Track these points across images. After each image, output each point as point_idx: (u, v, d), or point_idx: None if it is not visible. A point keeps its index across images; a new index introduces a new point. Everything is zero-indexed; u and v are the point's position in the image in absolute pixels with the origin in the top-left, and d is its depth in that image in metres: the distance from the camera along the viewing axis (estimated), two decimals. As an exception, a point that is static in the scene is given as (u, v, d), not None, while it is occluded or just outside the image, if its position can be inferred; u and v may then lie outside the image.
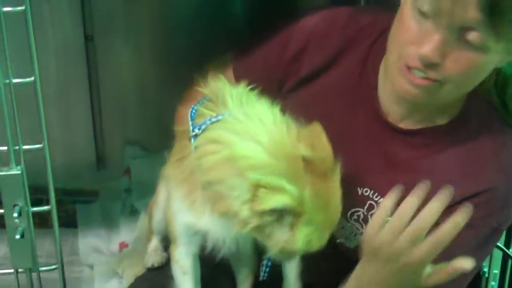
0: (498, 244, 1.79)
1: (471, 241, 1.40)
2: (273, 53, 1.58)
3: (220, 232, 1.43)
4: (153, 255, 1.82)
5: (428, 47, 1.25)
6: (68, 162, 2.58)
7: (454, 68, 1.26)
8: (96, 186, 2.61)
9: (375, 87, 1.48)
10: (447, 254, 1.39)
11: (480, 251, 1.44)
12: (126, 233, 2.38)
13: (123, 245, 2.35)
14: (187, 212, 1.40)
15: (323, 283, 1.53)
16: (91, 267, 2.29)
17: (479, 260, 1.46)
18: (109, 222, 2.46)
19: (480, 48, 1.23)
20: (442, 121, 1.44)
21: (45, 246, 2.24)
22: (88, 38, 2.45)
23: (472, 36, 1.22)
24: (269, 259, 1.51)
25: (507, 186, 1.42)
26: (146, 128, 2.55)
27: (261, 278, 1.54)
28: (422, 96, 1.33)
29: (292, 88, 1.58)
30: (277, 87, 1.61)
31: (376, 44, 1.49)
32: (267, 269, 1.51)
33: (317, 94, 1.55)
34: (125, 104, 2.57)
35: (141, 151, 2.57)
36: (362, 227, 1.48)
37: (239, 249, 1.60)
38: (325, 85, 1.54)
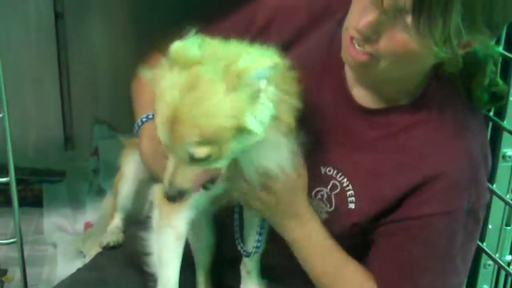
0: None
1: (447, 227, 1.40)
2: (240, 25, 1.58)
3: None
4: (110, 235, 1.80)
5: (364, 22, 1.29)
6: (36, 141, 2.56)
7: (387, 46, 1.29)
8: (64, 166, 2.59)
9: (342, 67, 1.48)
10: (425, 241, 1.41)
11: (461, 233, 1.42)
12: (92, 213, 2.36)
13: (88, 225, 2.33)
14: None
15: (288, 265, 1.52)
16: (54, 246, 2.28)
17: (466, 242, 1.45)
18: (75, 202, 2.45)
19: (414, 33, 1.25)
20: (404, 101, 1.44)
21: (10, 224, 2.23)
22: (58, 16, 2.43)
23: (407, 19, 1.25)
24: (260, 233, 1.50)
25: (470, 167, 1.41)
26: (116, 107, 2.53)
27: (252, 253, 1.52)
28: (361, 68, 1.36)
29: None
30: None
31: (343, 20, 1.48)
32: (259, 244, 1.51)
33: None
34: (95, 83, 2.56)
35: (110, 131, 2.56)
36: (326, 206, 1.47)
37: (199, 225, 1.61)
38: (294, 60, 1.53)
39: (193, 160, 1.23)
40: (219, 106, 1.20)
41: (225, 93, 1.20)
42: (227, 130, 1.21)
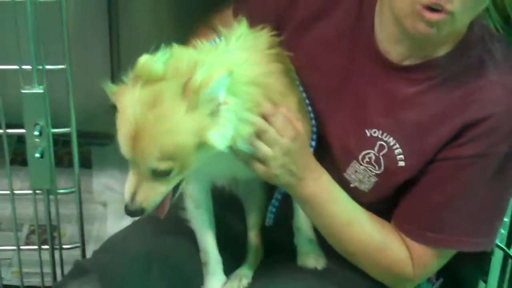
0: (499, 243, 1.80)
1: (484, 170, 1.42)
2: None
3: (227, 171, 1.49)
4: None
5: None
6: (85, 105, 2.58)
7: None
8: (111, 129, 2.61)
9: (372, 29, 1.49)
10: (459, 181, 1.43)
11: (498, 178, 1.44)
12: (140, 175, 2.39)
13: (136, 186, 2.35)
14: None
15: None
16: (104, 205, 2.33)
17: (501, 187, 1.47)
18: (123, 164, 2.41)
19: None
20: (442, 51, 1.44)
21: (60, 184, 2.23)
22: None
23: None
24: (274, 205, 1.53)
25: None
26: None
27: (266, 223, 1.55)
28: (437, 31, 1.34)
29: (291, 36, 1.58)
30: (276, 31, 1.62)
31: None
32: (272, 215, 1.53)
33: (316, 41, 1.55)
34: (143, 50, 2.56)
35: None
36: (375, 168, 1.49)
37: (251, 185, 1.64)
38: (322, 32, 1.55)
39: (156, 174, 1.25)
40: (180, 125, 1.24)
41: (186, 111, 1.24)
42: (189, 147, 1.25)
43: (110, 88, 1.33)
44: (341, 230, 1.49)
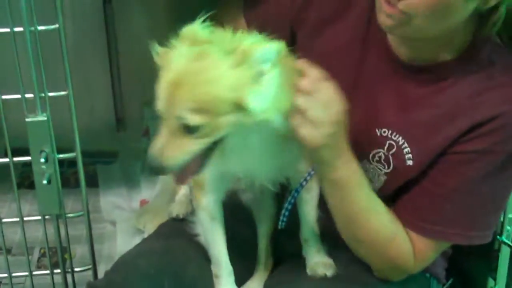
0: (506, 241, 1.81)
1: (488, 166, 1.44)
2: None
3: (249, 175, 1.48)
4: (178, 205, 1.81)
5: None
6: (88, 124, 2.60)
7: (417, 2, 1.30)
8: (116, 147, 2.63)
9: (383, 32, 1.51)
10: (461, 175, 1.45)
11: (501, 175, 1.46)
12: (146, 191, 2.42)
13: (143, 202, 2.38)
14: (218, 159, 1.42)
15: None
16: (113, 223, 2.34)
17: (502, 184, 1.49)
18: (129, 181, 2.49)
19: None
20: (450, 56, 1.46)
21: (68, 205, 2.27)
22: (106, 1, 2.47)
23: None
24: (287, 208, 1.54)
25: None
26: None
27: (279, 226, 1.56)
28: (396, 27, 1.38)
29: (305, 38, 1.61)
30: (290, 36, 1.64)
31: None
32: (285, 218, 1.55)
33: (329, 43, 1.58)
34: (143, 65, 2.57)
35: (160, 111, 2.59)
36: (384, 167, 1.51)
37: (262, 195, 1.65)
38: (335, 35, 1.57)
39: (186, 129, 1.23)
40: (220, 77, 1.23)
41: (229, 66, 1.23)
42: (225, 102, 1.23)
43: (156, 49, 1.32)
44: (359, 215, 1.50)
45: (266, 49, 1.23)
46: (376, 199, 1.50)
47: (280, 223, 1.55)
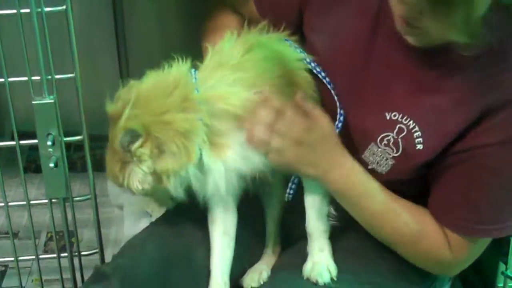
0: None
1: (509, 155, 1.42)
2: None
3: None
4: None
5: (402, 6, 1.31)
6: (95, 108, 2.58)
7: (431, 24, 1.29)
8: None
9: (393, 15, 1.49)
10: (489, 169, 1.43)
11: None
12: (154, 175, 2.39)
13: (151, 186, 2.36)
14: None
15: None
16: (120, 207, 2.33)
17: None
18: (136, 165, 2.46)
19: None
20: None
21: (75, 189, 2.27)
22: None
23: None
24: (294, 181, 1.53)
25: None
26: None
27: (286, 199, 1.55)
28: (415, 39, 1.39)
29: (313, 16, 1.59)
30: (298, 18, 1.63)
31: None
32: (291, 191, 1.53)
33: (338, 21, 1.56)
34: (150, 48, 2.57)
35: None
36: (393, 151, 1.49)
37: (269, 185, 1.64)
38: (345, 12, 1.54)
39: None
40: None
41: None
42: None
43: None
44: (374, 219, 1.50)
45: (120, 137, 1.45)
46: (392, 200, 1.49)
47: (287, 195, 1.54)
